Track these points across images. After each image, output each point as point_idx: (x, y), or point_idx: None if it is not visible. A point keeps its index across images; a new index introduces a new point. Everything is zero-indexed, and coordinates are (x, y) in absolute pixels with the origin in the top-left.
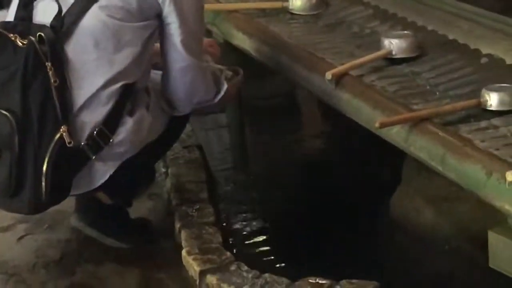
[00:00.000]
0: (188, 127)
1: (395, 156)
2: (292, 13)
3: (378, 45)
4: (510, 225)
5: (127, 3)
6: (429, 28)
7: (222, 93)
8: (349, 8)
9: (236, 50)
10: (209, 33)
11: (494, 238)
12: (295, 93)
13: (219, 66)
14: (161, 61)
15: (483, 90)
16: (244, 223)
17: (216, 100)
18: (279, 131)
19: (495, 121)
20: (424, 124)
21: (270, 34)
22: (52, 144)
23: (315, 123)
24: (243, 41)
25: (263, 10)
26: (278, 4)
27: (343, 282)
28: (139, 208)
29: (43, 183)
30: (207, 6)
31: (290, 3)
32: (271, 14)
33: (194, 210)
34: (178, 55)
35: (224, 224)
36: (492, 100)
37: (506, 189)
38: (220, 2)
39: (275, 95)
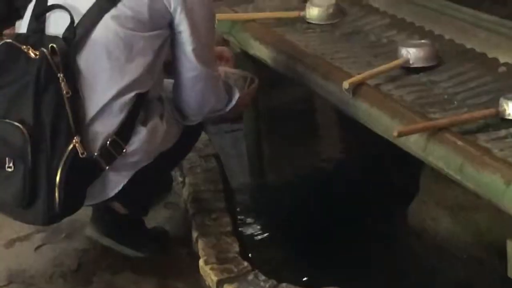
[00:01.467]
0: (204, 136)
1: (412, 165)
2: (309, 23)
3: (395, 54)
4: None
5: (138, 12)
6: (447, 37)
7: (233, 102)
8: (366, 17)
9: (253, 59)
10: (226, 43)
11: None
12: (312, 102)
13: (235, 70)
14: (172, 70)
15: (501, 99)
16: (261, 232)
17: (228, 109)
18: (296, 140)
19: None
20: (442, 133)
21: (286, 43)
22: (65, 155)
23: (332, 132)
24: (260, 51)
25: (279, 20)
26: (295, 14)
27: None
28: (156, 217)
29: (57, 194)
30: (224, 15)
31: (307, 13)
32: (288, 23)
33: (211, 219)
34: (189, 64)
35: (241, 233)
36: (510, 109)
37: None
38: (237, 12)
39: (292, 104)
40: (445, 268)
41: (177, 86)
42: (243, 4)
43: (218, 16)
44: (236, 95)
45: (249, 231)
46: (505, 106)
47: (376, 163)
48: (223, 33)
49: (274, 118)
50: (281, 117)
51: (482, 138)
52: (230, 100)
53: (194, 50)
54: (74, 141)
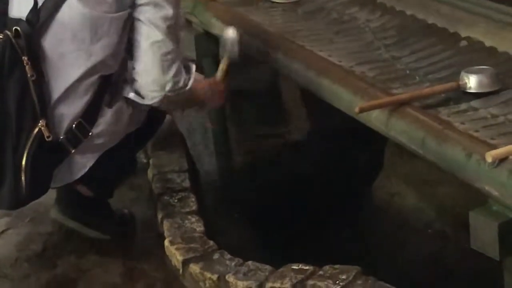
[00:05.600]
0: (169, 117)
1: (378, 141)
2: (271, 1)
3: (356, 31)
4: (490, 206)
5: None
6: (408, 12)
7: (192, 78)
8: None
9: (216, 39)
10: (188, 23)
11: (474, 220)
12: (278, 81)
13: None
14: (133, 48)
15: (462, 73)
16: (226, 211)
17: (189, 86)
18: (261, 119)
19: (475, 103)
20: (403, 108)
21: (249, 23)
22: (31, 139)
23: (298, 110)
24: (222, 30)
25: None
26: None
27: (326, 267)
28: (122, 199)
29: (23, 178)
30: None
31: None
32: (250, 3)
33: (176, 200)
34: (148, 31)
35: (207, 213)
36: (471, 82)
37: (486, 170)
38: None
39: (258, 83)
40: (411, 243)
41: (136, 59)
42: None
43: None
44: (193, 68)
45: (214, 210)
46: (466, 80)
47: (341, 140)
48: (186, 13)
49: (239, 98)
50: (247, 96)
51: (443, 112)
52: (190, 77)
53: (153, 17)
54: (39, 124)
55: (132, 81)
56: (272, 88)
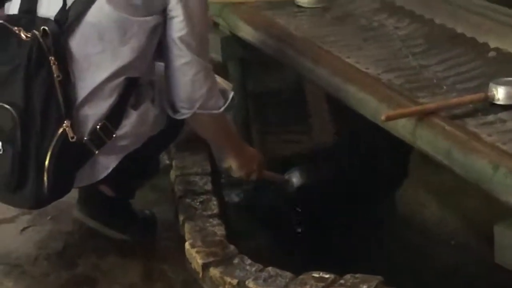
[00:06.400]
0: None
1: (403, 150)
2: (299, 6)
3: (384, 38)
4: None
5: None
6: (437, 21)
7: (229, 100)
8: (356, 1)
9: (242, 42)
10: (215, 25)
11: (499, 234)
12: (303, 85)
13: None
14: (163, 59)
15: (491, 84)
16: (249, 216)
17: (222, 109)
18: (285, 124)
19: (503, 115)
20: (430, 118)
21: (276, 26)
22: (55, 139)
23: (323, 116)
24: (249, 33)
25: (270, 3)
26: None
27: (347, 276)
28: (143, 200)
29: (45, 178)
30: None
31: None
32: (278, 6)
33: (198, 203)
34: (179, 51)
35: (228, 216)
36: (500, 94)
37: None
38: None
39: (282, 87)
40: (433, 254)
41: (167, 77)
42: None
43: None
44: (230, 95)
45: (237, 214)
46: (494, 91)
47: (366, 148)
48: (213, 15)
49: (263, 102)
50: (271, 100)
51: (470, 123)
52: (225, 102)
53: (185, 36)
54: (64, 125)
55: (166, 95)
56: (298, 92)
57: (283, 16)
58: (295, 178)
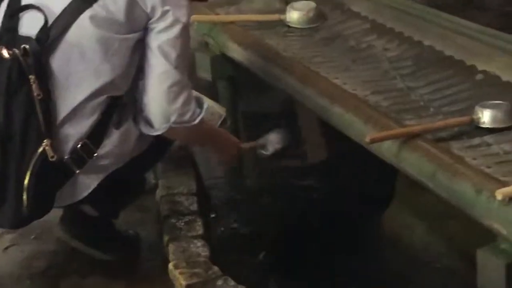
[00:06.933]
0: None
1: (390, 172)
2: (289, 26)
3: (373, 60)
4: (499, 245)
5: (114, 14)
6: (426, 43)
7: (203, 112)
8: (346, 22)
9: (232, 62)
10: (205, 45)
11: (482, 258)
12: (292, 105)
13: (213, 103)
14: (142, 74)
15: (476, 107)
16: (235, 236)
17: (197, 121)
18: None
19: (488, 138)
20: (415, 140)
21: (265, 47)
22: (35, 158)
23: (311, 136)
24: (238, 53)
25: (260, 23)
26: (274, 17)
27: None
28: (128, 220)
29: (25, 197)
30: (204, 17)
31: (287, 16)
32: (268, 26)
33: (183, 223)
34: (156, 60)
35: (214, 237)
36: (485, 117)
37: (496, 208)
38: (218, 14)
39: (273, 107)
40: (418, 277)
41: (143, 89)
42: (226, 6)
43: (198, 17)
44: (205, 105)
45: (222, 234)
46: (480, 114)
47: (353, 169)
48: (203, 34)
49: (254, 121)
50: (262, 119)
51: (455, 146)
52: (199, 113)
53: (164, 45)
54: (44, 144)
55: (141, 110)
56: (289, 111)
57: (272, 36)
58: (271, 142)
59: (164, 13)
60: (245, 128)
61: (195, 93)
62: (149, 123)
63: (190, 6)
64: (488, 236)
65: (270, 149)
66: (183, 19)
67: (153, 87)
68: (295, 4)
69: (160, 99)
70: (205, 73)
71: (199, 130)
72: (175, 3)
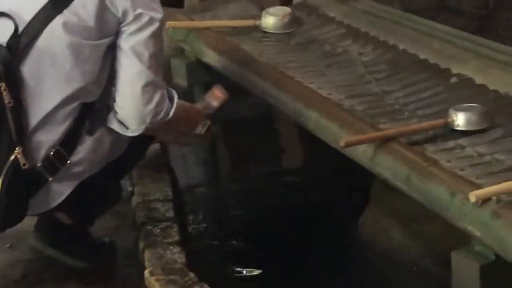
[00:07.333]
0: (156, 145)
1: (366, 176)
2: (264, 32)
3: (348, 64)
4: (473, 247)
5: (84, 21)
6: (401, 47)
7: (174, 104)
8: (322, 27)
9: (207, 67)
10: (181, 51)
11: (457, 261)
12: (268, 110)
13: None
14: (114, 80)
15: (451, 110)
16: (211, 242)
17: (170, 115)
18: (251, 148)
19: (462, 141)
20: (390, 144)
21: (240, 52)
22: (6, 166)
23: (287, 141)
24: (213, 59)
25: (235, 28)
26: (250, 23)
27: None
28: (104, 227)
29: None
30: (179, 23)
31: (263, 22)
32: (244, 32)
33: (159, 230)
34: (129, 61)
35: (190, 243)
36: (459, 120)
37: (469, 210)
38: (194, 20)
39: (249, 112)
40: (395, 280)
41: (117, 92)
42: (202, 12)
43: (174, 24)
44: (175, 97)
45: (199, 241)
46: (454, 117)
47: (329, 174)
48: (179, 41)
49: (230, 126)
50: (237, 125)
51: (430, 149)
52: (171, 106)
53: (137, 46)
54: (15, 151)
55: (115, 112)
56: (265, 117)
57: (248, 41)
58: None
59: (137, 17)
60: (222, 133)
61: (169, 91)
62: (124, 125)
63: (163, 8)
64: (463, 239)
65: (211, 107)
66: (157, 20)
67: (127, 88)
68: (271, 10)
69: (135, 101)
70: (181, 79)
71: (173, 120)
72: (146, 4)
